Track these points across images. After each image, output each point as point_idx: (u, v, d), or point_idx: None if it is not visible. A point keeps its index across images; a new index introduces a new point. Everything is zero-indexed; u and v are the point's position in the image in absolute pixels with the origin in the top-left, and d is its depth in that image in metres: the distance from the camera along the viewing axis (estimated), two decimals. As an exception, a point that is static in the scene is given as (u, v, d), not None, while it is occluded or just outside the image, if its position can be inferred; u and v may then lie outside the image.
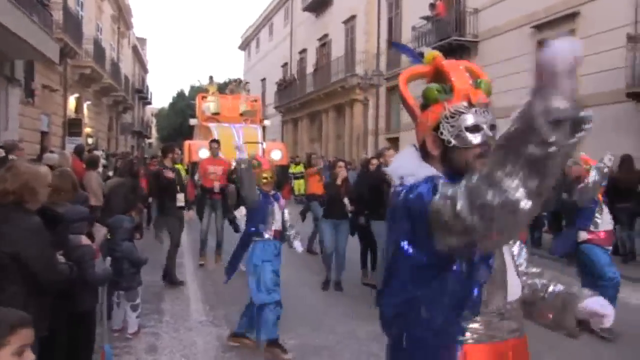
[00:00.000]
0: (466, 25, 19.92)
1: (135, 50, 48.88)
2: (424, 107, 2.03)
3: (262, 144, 17.52)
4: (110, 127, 36.06)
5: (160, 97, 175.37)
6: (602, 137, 13.55)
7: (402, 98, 2.13)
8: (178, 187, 8.68)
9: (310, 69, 35.72)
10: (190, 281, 8.83)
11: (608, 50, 13.80)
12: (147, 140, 63.77)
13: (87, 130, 26.75)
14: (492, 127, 1.96)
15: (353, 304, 7.52)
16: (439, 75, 2.03)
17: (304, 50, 38.22)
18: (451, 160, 1.96)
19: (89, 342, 4.50)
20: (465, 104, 1.95)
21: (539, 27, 16.58)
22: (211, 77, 24.28)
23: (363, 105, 25.82)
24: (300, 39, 38.55)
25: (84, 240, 4.44)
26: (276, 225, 5.79)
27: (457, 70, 2.01)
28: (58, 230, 3.65)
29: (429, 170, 1.93)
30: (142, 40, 56.71)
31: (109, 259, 5.52)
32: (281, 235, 5.93)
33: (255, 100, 21.83)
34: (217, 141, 10.65)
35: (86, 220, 4.93)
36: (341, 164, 8.97)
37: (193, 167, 16.19)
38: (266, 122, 20.96)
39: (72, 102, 24.65)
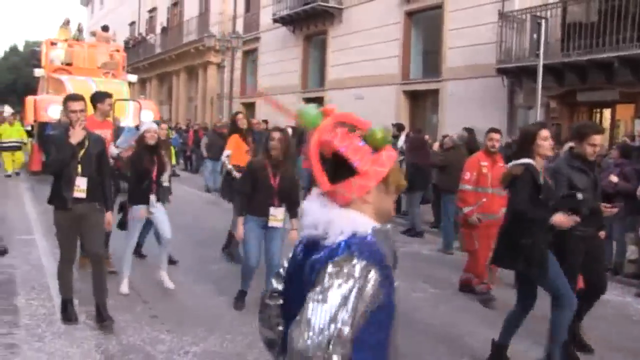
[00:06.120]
0: (331, -9, 19.70)
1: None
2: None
3: (135, 101, 15.20)
4: None
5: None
6: (471, 109, 14.37)
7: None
8: None
9: (160, 29, 34.43)
10: (47, 262, 6.86)
11: (479, 25, 14.37)
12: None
13: None
14: None
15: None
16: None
17: (153, 9, 36.82)
18: None
19: None
20: None
21: (408, -2, 16.92)
22: (67, 20, 20.70)
23: (218, 67, 25.40)
24: (150, -3, 36.96)
25: None
26: None
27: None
28: None
29: None
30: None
31: None
32: None
33: (118, 50, 18.99)
34: (108, 95, 6.75)
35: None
36: (277, 135, 5.61)
37: (40, 128, 14.11)
38: (131, 77, 18.63)
39: None
